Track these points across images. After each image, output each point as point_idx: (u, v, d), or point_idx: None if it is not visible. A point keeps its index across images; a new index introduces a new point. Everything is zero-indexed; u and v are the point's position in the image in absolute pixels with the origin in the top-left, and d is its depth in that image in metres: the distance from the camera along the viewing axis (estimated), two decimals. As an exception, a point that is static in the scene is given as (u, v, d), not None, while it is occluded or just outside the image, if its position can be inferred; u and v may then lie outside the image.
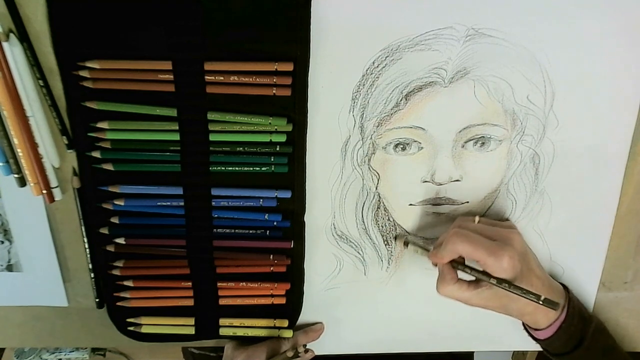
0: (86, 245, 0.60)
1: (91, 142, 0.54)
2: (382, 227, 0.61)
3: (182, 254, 0.60)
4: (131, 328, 0.64)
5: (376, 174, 0.58)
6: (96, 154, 0.55)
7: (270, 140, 0.54)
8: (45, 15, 0.49)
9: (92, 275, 0.62)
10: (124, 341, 0.65)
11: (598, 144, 0.57)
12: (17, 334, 0.67)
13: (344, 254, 0.62)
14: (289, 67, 0.51)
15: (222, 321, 0.64)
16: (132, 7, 0.49)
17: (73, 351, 1.17)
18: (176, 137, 0.54)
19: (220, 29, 0.50)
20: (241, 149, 0.55)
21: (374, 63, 0.52)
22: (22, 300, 0.65)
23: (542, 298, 0.52)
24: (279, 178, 0.57)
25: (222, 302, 0.63)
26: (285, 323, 0.64)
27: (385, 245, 0.62)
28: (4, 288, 0.64)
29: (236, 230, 0.59)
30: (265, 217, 0.58)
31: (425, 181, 0.58)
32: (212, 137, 0.54)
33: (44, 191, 0.56)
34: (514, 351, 0.89)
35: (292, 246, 0.60)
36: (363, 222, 0.60)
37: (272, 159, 0.55)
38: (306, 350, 0.65)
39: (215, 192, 0.57)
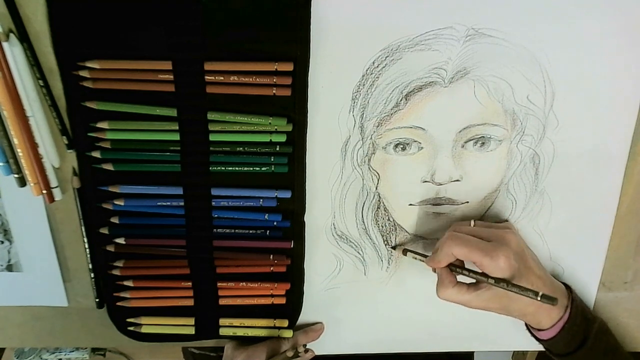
0: (86, 245, 0.60)
1: (91, 142, 0.54)
2: (382, 227, 0.61)
3: (182, 254, 0.60)
4: (131, 328, 0.64)
5: (376, 174, 0.58)
6: (96, 154, 0.55)
7: (270, 140, 0.54)
8: (45, 15, 0.49)
9: (92, 275, 0.62)
10: (124, 341, 0.65)
11: (598, 144, 0.57)
12: (17, 334, 0.67)
13: (344, 254, 0.62)
14: (289, 67, 0.51)
15: (222, 321, 0.64)
16: (132, 7, 0.49)
17: (73, 351, 1.17)
18: (176, 137, 0.54)
19: (220, 29, 0.50)
20: (241, 149, 0.55)
21: (374, 63, 0.52)
22: (22, 300, 0.65)
23: (540, 294, 0.52)
24: (279, 178, 0.57)
25: (222, 302, 0.63)
26: (285, 323, 0.64)
27: (385, 245, 0.62)
28: (4, 288, 0.64)
29: (236, 230, 0.59)
30: (265, 217, 0.58)
31: (425, 181, 0.58)
32: (212, 137, 0.54)
33: (44, 191, 0.56)
34: (514, 351, 0.88)
35: (292, 246, 0.60)
36: (363, 222, 0.60)
37: (272, 159, 0.55)
38: (306, 350, 0.65)
39: (215, 192, 0.57)
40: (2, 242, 0.61)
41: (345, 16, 0.50)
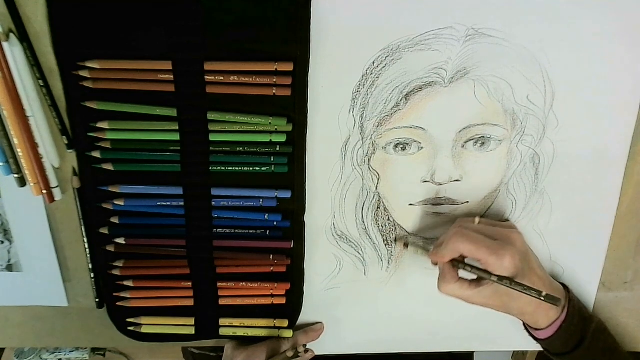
0: (86, 245, 0.60)
1: (91, 142, 0.54)
2: (382, 227, 0.61)
3: (182, 254, 0.60)
4: (131, 328, 0.64)
5: (376, 174, 0.58)
6: (96, 154, 0.55)
7: (270, 140, 0.54)
8: (45, 15, 0.49)
9: (92, 275, 0.62)
10: (124, 341, 0.65)
11: (598, 143, 0.57)
12: (17, 334, 0.67)
13: (344, 254, 0.62)
14: (289, 67, 0.51)
15: (222, 321, 0.64)
16: (132, 7, 0.49)
17: (73, 351, 1.17)
18: (176, 137, 0.54)
19: (220, 29, 0.50)
20: (241, 149, 0.55)
21: (374, 63, 0.52)
22: (22, 300, 0.65)
23: (544, 294, 0.52)
24: (279, 178, 0.57)
25: (222, 302, 0.63)
26: (285, 323, 0.64)
27: (385, 245, 0.62)
28: (4, 288, 0.64)
29: (236, 230, 0.59)
30: (265, 217, 0.58)
31: (425, 181, 0.58)
32: (212, 137, 0.54)
33: (44, 191, 0.56)
34: (514, 351, 0.89)
35: (292, 246, 0.60)
36: (363, 222, 0.60)
37: (272, 159, 0.55)
38: (306, 350, 0.65)
39: (215, 192, 0.57)
40: (2, 242, 0.61)
41: (345, 16, 0.50)
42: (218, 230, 0.59)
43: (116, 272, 0.60)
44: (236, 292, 0.62)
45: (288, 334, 0.64)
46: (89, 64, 0.50)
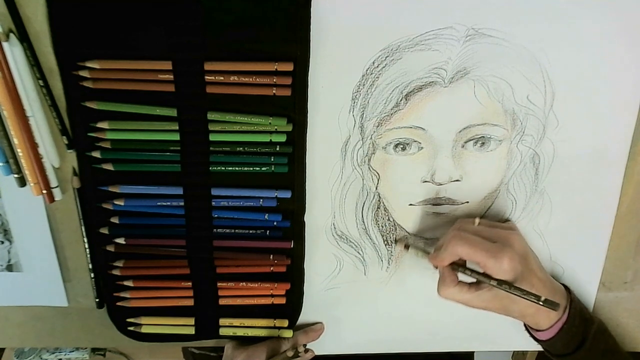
0: (86, 245, 0.60)
1: (91, 142, 0.54)
2: (382, 227, 0.61)
3: (182, 254, 0.60)
4: (131, 328, 0.64)
5: (376, 174, 0.58)
6: (96, 154, 0.55)
7: (270, 140, 0.54)
8: (45, 15, 0.49)
9: (92, 275, 0.62)
10: (124, 341, 0.65)
11: (598, 143, 0.57)
12: (17, 334, 0.67)
13: (344, 254, 0.62)
14: (289, 67, 0.51)
15: (222, 321, 0.64)
16: (132, 7, 0.49)
17: (73, 351, 1.17)
18: (176, 137, 0.54)
19: (220, 29, 0.50)
20: (241, 149, 0.55)
21: (374, 63, 0.52)
22: (22, 300, 0.65)
23: (543, 299, 0.52)
24: (279, 178, 0.57)
25: (222, 302, 0.63)
26: (285, 323, 0.64)
27: (385, 245, 0.62)
28: (4, 288, 0.64)
29: (236, 230, 0.59)
30: (265, 217, 0.58)
31: (425, 181, 0.58)
32: (212, 137, 0.54)
33: (44, 191, 0.56)
34: (514, 351, 0.88)
35: (292, 246, 0.60)
36: (363, 222, 0.60)
37: (272, 159, 0.55)
38: (306, 350, 0.65)
39: (215, 192, 0.57)
40: (2, 242, 0.61)
41: (345, 16, 0.50)
42: (218, 230, 0.59)
43: (116, 272, 0.60)
44: (236, 292, 0.62)
45: (288, 334, 0.64)
46: (89, 64, 0.50)
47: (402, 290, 0.65)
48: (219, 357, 0.85)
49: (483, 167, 0.58)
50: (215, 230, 0.59)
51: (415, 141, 0.56)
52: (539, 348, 0.63)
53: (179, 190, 0.57)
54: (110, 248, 0.59)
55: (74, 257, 0.62)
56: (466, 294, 0.55)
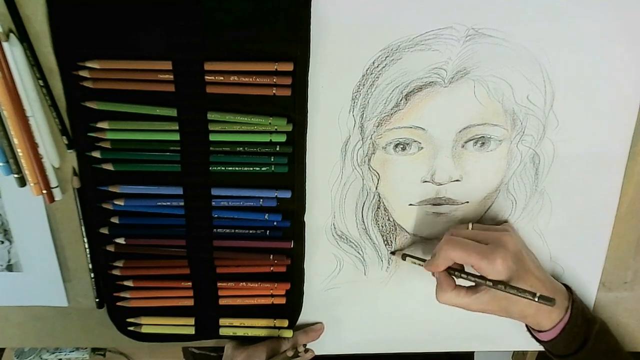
0: (86, 245, 0.60)
1: (91, 142, 0.54)
2: (382, 227, 0.61)
3: (182, 254, 0.60)
4: (131, 328, 0.64)
5: (376, 174, 0.58)
6: (96, 154, 0.55)
7: (270, 140, 0.54)
8: (45, 15, 0.49)
9: (92, 275, 0.62)
10: (124, 341, 0.65)
11: (598, 143, 0.57)
12: (17, 334, 0.67)
13: (344, 254, 0.62)
14: (289, 67, 0.51)
15: (222, 321, 0.64)
16: (132, 7, 0.49)
17: (73, 351, 1.17)
18: (176, 137, 0.54)
19: (220, 29, 0.50)
20: (241, 149, 0.55)
21: (374, 63, 0.52)
22: (22, 300, 0.65)
23: (538, 295, 0.52)
24: (279, 178, 0.57)
25: (222, 302, 0.63)
26: (285, 323, 0.64)
27: (385, 245, 0.62)
28: (4, 288, 0.64)
29: (236, 230, 0.59)
30: (265, 217, 0.58)
31: (425, 181, 0.58)
32: (212, 137, 0.54)
33: (44, 191, 0.56)
34: (514, 351, 0.88)
35: (292, 246, 0.60)
36: (363, 222, 0.60)
37: (272, 159, 0.55)
38: (306, 350, 0.65)
39: (215, 192, 0.57)
40: (2, 242, 0.61)
41: (345, 16, 0.50)
42: (218, 230, 0.59)
43: (116, 272, 0.60)
44: (236, 292, 0.62)
45: (288, 334, 0.64)
46: (89, 64, 0.50)
47: (402, 290, 0.65)
48: (219, 357, 0.85)
49: (483, 167, 0.58)
50: (215, 230, 0.59)
51: (415, 141, 0.56)
52: (539, 348, 0.63)
53: (179, 190, 0.57)
54: (110, 248, 0.59)
55: (74, 257, 0.62)
56: (464, 298, 0.55)
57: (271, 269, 0.61)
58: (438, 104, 0.54)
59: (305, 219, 0.59)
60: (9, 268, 0.63)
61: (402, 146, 0.56)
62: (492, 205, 0.60)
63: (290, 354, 0.63)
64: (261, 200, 0.57)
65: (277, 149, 0.55)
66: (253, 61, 0.51)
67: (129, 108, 0.53)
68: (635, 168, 0.58)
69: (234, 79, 0.51)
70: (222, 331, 0.65)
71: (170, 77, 0.51)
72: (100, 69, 0.51)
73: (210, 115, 0.53)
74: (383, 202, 0.59)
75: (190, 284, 0.62)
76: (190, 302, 0.63)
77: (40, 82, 0.51)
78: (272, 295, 0.63)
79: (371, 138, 0.56)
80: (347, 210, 0.60)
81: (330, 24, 0.50)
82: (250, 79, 0.51)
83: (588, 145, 0.57)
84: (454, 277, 0.56)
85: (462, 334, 0.67)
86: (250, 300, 0.63)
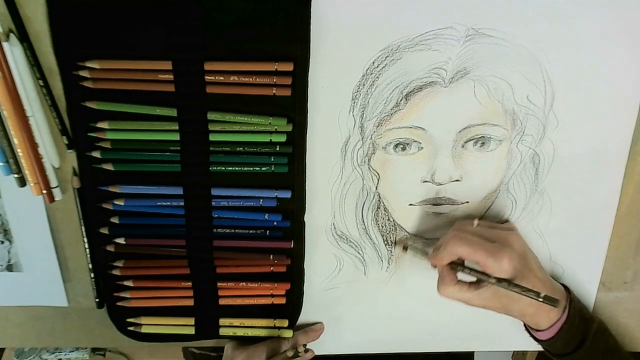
0: (86, 245, 0.60)
1: (91, 142, 0.54)
2: (382, 227, 0.61)
3: (182, 254, 0.60)
4: (131, 328, 0.64)
5: (376, 174, 0.58)
6: (96, 154, 0.55)
7: (270, 140, 0.54)
8: (45, 15, 0.49)
9: (92, 275, 0.62)
10: (124, 341, 0.65)
11: (598, 143, 0.57)
12: (17, 334, 0.67)
13: (344, 254, 0.62)
14: (289, 67, 0.51)
15: (222, 321, 0.64)
16: (132, 7, 0.49)
17: (73, 351, 1.17)
18: (176, 137, 0.54)
19: (220, 29, 0.50)
20: (241, 149, 0.55)
21: (374, 63, 0.52)
22: (22, 300, 0.65)
23: (542, 295, 0.52)
24: (279, 178, 0.57)
25: (222, 302, 0.63)
26: (285, 323, 0.64)
27: (385, 245, 0.62)
28: (4, 288, 0.64)
29: (236, 230, 0.59)
30: (265, 217, 0.58)
31: (425, 181, 0.58)
32: (212, 137, 0.54)
33: (44, 191, 0.56)
34: (514, 351, 0.88)
35: (292, 246, 0.60)
36: (363, 222, 0.60)
37: (272, 159, 0.55)
38: (306, 350, 0.65)
39: (215, 192, 0.57)
40: (2, 242, 0.61)
41: (345, 16, 0.50)
42: (218, 230, 0.59)
43: (116, 272, 0.60)
44: (236, 292, 0.62)
45: (288, 334, 0.64)
46: (89, 64, 0.50)
47: (402, 290, 0.65)
48: (219, 357, 0.85)
49: (483, 167, 0.58)
50: (215, 230, 0.59)
51: (415, 141, 0.56)
52: (539, 348, 0.63)
53: (179, 190, 0.57)
54: (110, 248, 0.59)
55: (74, 257, 0.62)
56: (466, 293, 0.55)
57: (271, 269, 0.61)
58: (438, 104, 0.54)
59: (305, 219, 0.59)
60: (9, 268, 0.63)
61: (402, 146, 0.56)
62: (492, 205, 0.60)
63: (290, 354, 0.63)
64: (261, 200, 0.57)
65: (277, 149, 0.55)
66: (253, 61, 0.51)
67: (129, 108, 0.53)
68: (635, 168, 0.58)
69: (234, 79, 0.51)
70: (222, 331, 0.65)
71: (170, 77, 0.51)
72: (100, 69, 0.51)
73: (210, 115, 0.53)
74: (383, 202, 0.60)
75: (190, 284, 0.62)
76: (190, 302, 0.63)
77: (40, 82, 0.51)
78: (272, 295, 0.63)
79: (371, 138, 0.56)
80: (347, 210, 0.60)
81: (330, 24, 0.50)
82: (250, 79, 0.51)
83: (588, 145, 0.57)
84: (456, 271, 0.56)
85: (462, 334, 0.67)
86: (250, 300, 0.63)
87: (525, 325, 0.62)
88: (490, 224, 0.59)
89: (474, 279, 0.55)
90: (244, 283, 0.61)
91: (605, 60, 0.53)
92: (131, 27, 0.49)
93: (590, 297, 0.64)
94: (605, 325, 0.60)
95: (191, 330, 0.64)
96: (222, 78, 0.51)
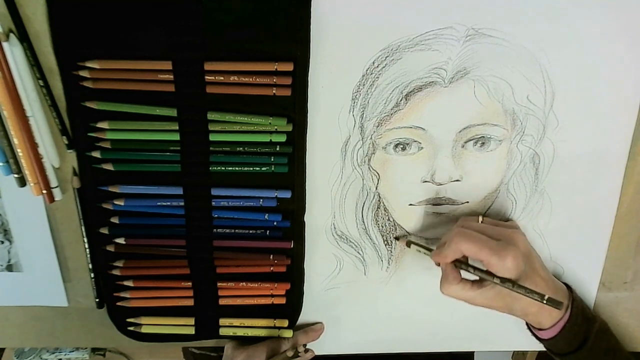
0: (86, 245, 0.60)
1: (91, 142, 0.54)
2: (382, 227, 0.61)
3: (182, 254, 0.60)
4: (131, 328, 0.64)
5: (376, 174, 0.58)
6: (96, 154, 0.55)
7: (270, 140, 0.54)
8: (45, 15, 0.49)
9: (92, 275, 0.62)
10: (124, 341, 0.65)
11: (598, 143, 0.57)
12: (17, 334, 0.67)
13: (344, 254, 0.62)
14: (289, 67, 0.51)
15: (222, 321, 0.64)
16: (132, 7, 0.49)
17: (73, 351, 1.17)
18: (176, 137, 0.54)
19: (220, 29, 0.50)
20: (241, 149, 0.55)
21: (374, 63, 0.52)
22: (22, 300, 0.65)
23: (546, 297, 0.52)
24: (279, 178, 0.57)
25: (222, 302, 0.63)
26: (285, 323, 0.64)
27: (385, 245, 0.62)
28: (4, 288, 0.64)
29: (236, 230, 0.59)
30: (265, 217, 0.58)
31: (425, 181, 0.58)
32: (212, 137, 0.54)
33: (44, 191, 0.56)
34: (514, 351, 0.88)
35: (292, 246, 0.60)
36: (363, 222, 0.60)
37: (272, 159, 0.55)
38: (306, 350, 0.65)
39: (215, 192, 0.57)
40: (2, 242, 0.61)
41: (345, 16, 0.50)
42: (218, 230, 0.59)
43: (116, 272, 0.60)
44: (236, 292, 0.62)
45: (288, 334, 0.64)
46: (89, 64, 0.50)
47: (402, 290, 0.65)
48: (219, 357, 0.85)
49: (483, 167, 0.58)
50: (215, 230, 0.59)
51: (415, 141, 0.56)
52: (539, 348, 0.63)
53: (179, 190, 0.57)
54: (110, 248, 0.59)
55: (74, 257, 0.62)
56: (469, 292, 0.55)
57: (271, 269, 0.61)
58: (438, 104, 0.54)
59: (305, 219, 0.60)
60: (9, 268, 0.63)
61: (402, 146, 0.56)
62: (492, 205, 0.60)
63: (290, 354, 0.63)
64: (261, 200, 0.57)
65: (277, 149, 0.55)
66: (253, 61, 0.51)
67: (129, 108, 0.53)
68: (635, 168, 0.58)
69: (234, 79, 0.51)
70: (222, 331, 0.65)
71: (170, 77, 0.51)
72: (100, 69, 0.51)
73: (210, 115, 0.53)
74: (383, 202, 0.60)
75: (190, 284, 0.62)
76: (190, 302, 0.63)
77: (40, 82, 0.51)
78: (272, 295, 0.63)
79: (371, 138, 0.56)
80: (347, 210, 0.60)
81: (330, 24, 0.50)
82: (250, 79, 0.51)
83: (588, 145, 0.57)
84: (459, 269, 0.56)
85: (462, 334, 0.67)
86: (250, 300, 0.63)
87: (527, 324, 0.62)
88: (495, 221, 0.58)
89: (477, 277, 0.55)
90: (244, 283, 0.61)
91: (605, 60, 0.53)
92: (131, 27, 0.49)
93: (590, 297, 0.64)
94: (607, 324, 0.60)
95: (191, 330, 0.64)
96: (222, 78, 0.51)
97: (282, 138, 0.54)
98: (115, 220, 0.58)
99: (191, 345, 0.84)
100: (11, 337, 0.68)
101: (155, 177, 0.56)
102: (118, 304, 0.62)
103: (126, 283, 0.61)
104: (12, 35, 0.49)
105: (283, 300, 0.63)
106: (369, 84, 0.53)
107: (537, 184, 0.59)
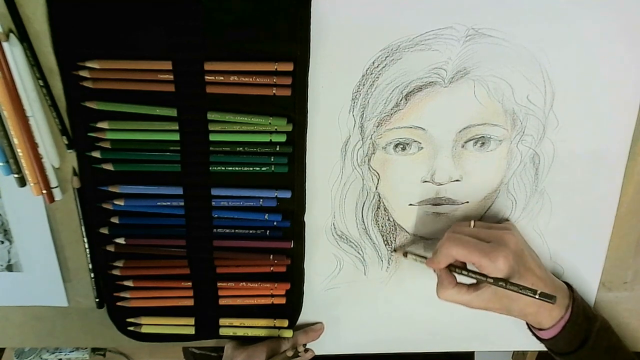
0: (86, 245, 0.60)
1: (91, 142, 0.54)
2: (382, 227, 0.61)
3: (182, 254, 0.60)
4: (131, 328, 0.64)
5: (376, 174, 0.58)
6: (96, 154, 0.55)
7: (270, 140, 0.54)
8: (45, 15, 0.49)
9: (92, 275, 0.62)
10: (124, 341, 0.65)
11: (598, 143, 0.57)
12: (17, 334, 0.67)
13: (344, 254, 0.62)
14: (289, 67, 0.51)
15: (222, 321, 0.64)
16: (132, 7, 0.49)
17: (73, 351, 1.17)
18: (176, 137, 0.54)
19: (220, 29, 0.50)
20: (241, 149, 0.55)
21: (374, 63, 0.52)
22: (22, 300, 0.65)
23: (539, 292, 0.52)
24: (279, 178, 0.57)
25: (222, 302, 0.63)
26: (285, 323, 0.64)
27: (385, 245, 0.62)
28: (4, 288, 0.64)
29: (236, 230, 0.59)
30: (265, 217, 0.58)
31: (425, 181, 0.58)
32: (212, 137, 0.54)
33: (44, 191, 0.56)
34: (514, 351, 0.89)
35: (292, 246, 0.60)
36: (363, 222, 0.60)
37: (272, 159, 0.55)
38: (306, 350, 0.65)
39: (215, 192, 0.57)
40: (2, 242, 0.61)
41: (345, 16, 0.50)
42: (218, 230, 0.59)
43: (116, 272, 0.60)
44: (236, 292, 0.62)
45: (288, 334, 0.64)
46: (89, 64, 0.50)
47: (402, 290, 0.65)
48: (219, 357, 0.85)
49: (483, 167, 0.58)
50: (215, 230, 0.59)
51: (415, 141, 0.56)
52: (539, 348, 0.63)
53: (179, 190, 0.57)
54: (110, 248, 0.59)
55: (74, 257, 0.62)
56: (465, 295, 0.55)
57: (271, 269, 0.61)
58: (438, 104, 0.54)
59: (305, 219, 0.60)
60: (9, 268, 0.63)
61: (402, 146, 0.56)
62: (492, 205, 0.60)
63: (290, 354, 0.63)
64: (261, 200, 0.57)
65: (277, 149, 0.55)
66: (253, 61, 0.51)
67: (129, 108, 0.53)
68: (635, 168, 0.58)
69: (234, 79, 0.51)
70: (222, 331, 0.65)
71: (170, 77, 0.51)
72: (100, 69, 0.51)
73: (210, 115, 0.53)
74: (383, 202, 0.60)
75: (190, 284, 0.62)
76: (190, 302, 0.63)
77: (40, 82, 0.51)
78: (272, 295, 0.63)
79: (371, 138, 0.56)
80: (347, 210, 0.60)
81: (330, 24, 0.50)
82: (250, 79, 0.51)
83: (588, 145, 0.57)
84: (455, 274, 0.56)
85: (462, 334, 0.67)
86: (250, 300, 0.63)
87: (528, 324, 0.61)
88: (486, 224, 0.59)
89: (473, 281, 0.55)
90: (244, 283, 0.61)
91: (605, 60, 0.53)
92: (131, 27, 0.49)
93: (591, 297, 0.64)
94: (608, 323, 0.60)
95: (191, 330, 0.64)
96: (222, 78, 0.51)
97: (282, 138, 0.54)
98: (115, 220, 0.58)
99: (191, 345, 0.84)
100: (11, 337, 0.68)
101: (155, 177, 0.56)
102: (118, 304, 0.62)
103: (126, 283, 0.61)
104: (12, 35, 0.49)
105: (283, 300, 0.63)
106: (369, 84, 0.53)
107: (537, 184, 0.59)
